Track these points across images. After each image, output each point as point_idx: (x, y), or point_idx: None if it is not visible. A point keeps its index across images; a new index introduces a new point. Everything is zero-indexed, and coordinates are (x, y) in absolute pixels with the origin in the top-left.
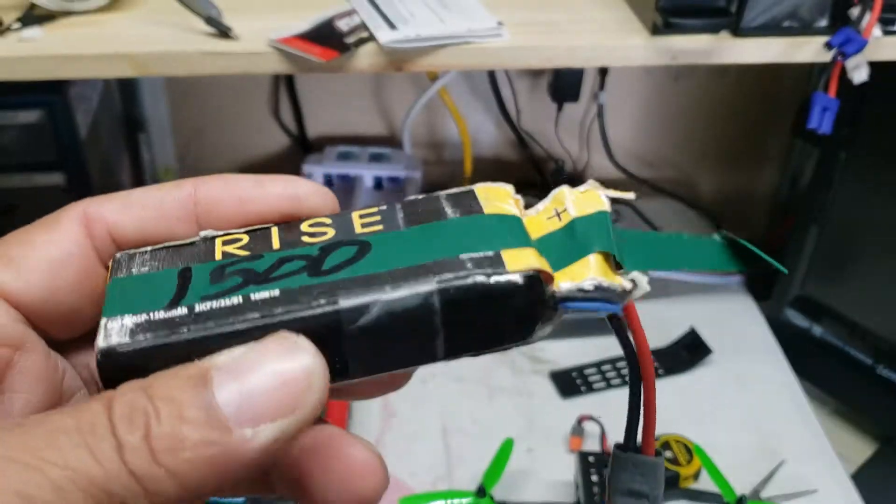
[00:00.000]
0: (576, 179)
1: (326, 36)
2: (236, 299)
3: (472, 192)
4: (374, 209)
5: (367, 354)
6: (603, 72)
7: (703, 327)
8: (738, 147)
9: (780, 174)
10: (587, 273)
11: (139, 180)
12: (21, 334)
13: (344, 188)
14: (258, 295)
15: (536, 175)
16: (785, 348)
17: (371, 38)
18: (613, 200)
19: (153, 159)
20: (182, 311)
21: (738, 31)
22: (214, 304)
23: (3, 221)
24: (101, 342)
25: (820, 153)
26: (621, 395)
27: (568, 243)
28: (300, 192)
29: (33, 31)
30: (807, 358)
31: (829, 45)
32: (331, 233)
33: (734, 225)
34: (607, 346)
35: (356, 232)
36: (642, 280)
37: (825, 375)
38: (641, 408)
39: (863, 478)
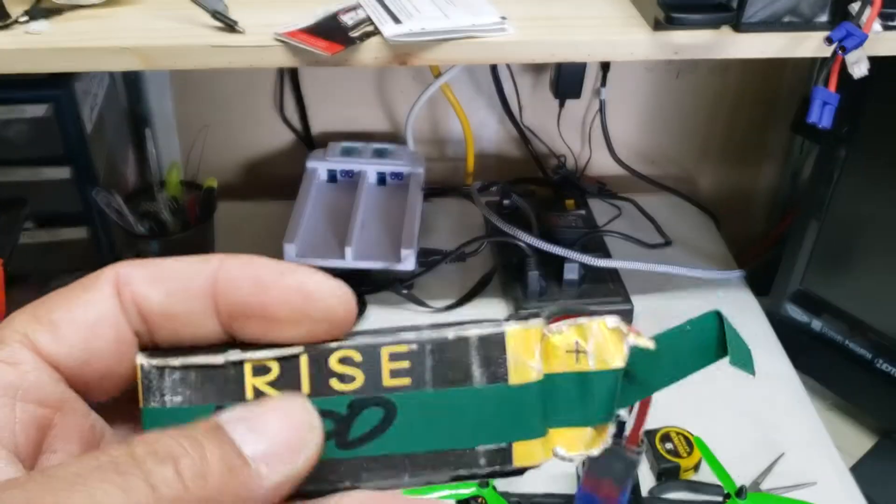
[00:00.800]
0: (577, 176)
1: (331, 30)
2: None
3: (502, 341)
4: (404, 348)
5: None
6: (605, 68)
7: None
8: (738, 143)
9: (781, 170)
10: (581, 445)
11: (144, 175)
12: (61, 395)
13: (347, 183)
14: None
15: (539, 171)
16: (785, 343)
17: (376, 31)
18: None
19: (158, 154)
20: None
21: (739, 26)
22: None
23: (10, 214)
24: None
25: (820, 149)
26: None
27: (574, 400)
28: (315, 289)
29: (40, 25)
30: (806, 352)
31: (829, 40)
32: (359, 379)
33: (734, 220)
34: None
35: (384, 385)
36: (625, 414)
37: (825, 370)
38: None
39: (862, 471)
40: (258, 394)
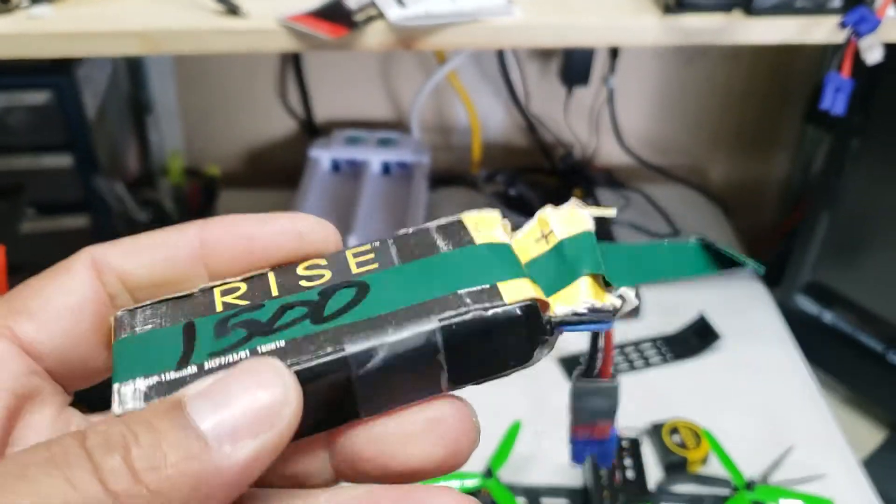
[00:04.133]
0: (585, 165)
1: (335, 13)
2: (244, 353)
3: (460, 223)
4: (367, 246)
5: (376, 394)
6: (614, 55)
7: (712, 313)
8: (749, 133)
9: (792, 161)
10: (580, 296)
11: (146, 163)
12: (34, 386)
13: (351, 173)
14: (265, 347)
15: (545, 161)
16: (795, 335)
17: (380, 15)
18: (597, 218)
19: (161, 142)
20: (192, 369)
21: (750, 10)
22: (223, 359)
23: (11, 202)
24: (116, 409)
25: (832, 139)
26: (629, 381)
27: (558, 266)
28: (302, 227)
29: (42, 9)
30: (817, 344)
31: (842, 24)
32: (327, 275)
33: (745, 211)
34: (616, 333)
35: (352, 272)
36: (630, 295)
37: (835, 362)
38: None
39: (873, 464)
40: (228, 306)
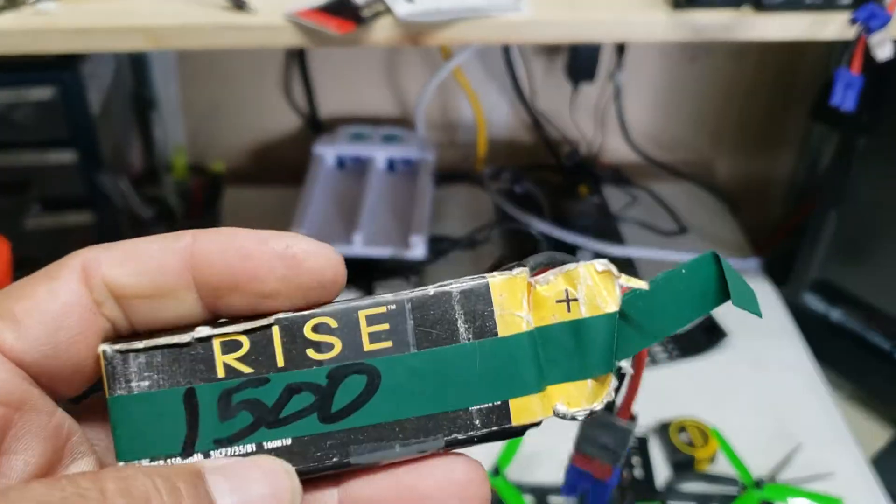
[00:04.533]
0: (591, 162)
1: (343, 9)
2: (250, 447)
3: (486, 292)
4: (383, 309)
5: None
6: (620, 51)
7: (719, 310)
8: (756, 130)
9: (799, 158)
10: (582, 400)
11: (151, 159)
12: (23, 393)
13: (356, 169)
14: (271, 443)
15: (551, 157)
16: (803, 333)
17: (388, 10)
18: (621, 261)
19: (165, 138)
20: (198, 458)
21: (760, 6)
22: (228, 451)
23: (16, 198)
24: None
25: (839, 137)
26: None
27: (571, 349)
28: (299, 251)
29: (48, 4)
30: (825, 342)
31: (853, 21)
32: (337, 346)
33: (751, 208)
34: None
35: (364, 349)
36: (627, 366)
37: (843, 360)
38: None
39: (880, 462)
40: (230, 371)
